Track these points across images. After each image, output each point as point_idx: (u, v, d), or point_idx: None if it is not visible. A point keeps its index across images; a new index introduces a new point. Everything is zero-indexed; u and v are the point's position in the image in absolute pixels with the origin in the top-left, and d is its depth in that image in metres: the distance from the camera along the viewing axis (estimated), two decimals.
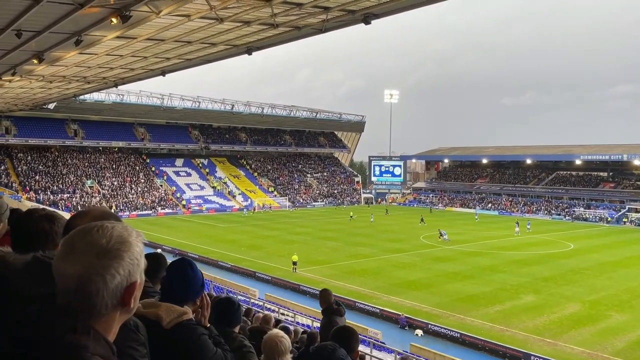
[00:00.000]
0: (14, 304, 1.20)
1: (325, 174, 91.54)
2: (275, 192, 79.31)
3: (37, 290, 1.24)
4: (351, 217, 60.82)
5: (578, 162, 74.51)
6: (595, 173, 75.72)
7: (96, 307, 1.13)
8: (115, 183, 67.81)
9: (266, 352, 3.34)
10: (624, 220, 63.06)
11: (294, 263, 33.14)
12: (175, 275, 2.51)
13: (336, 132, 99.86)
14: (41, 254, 1.41)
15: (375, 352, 17.14)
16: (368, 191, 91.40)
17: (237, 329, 3.44)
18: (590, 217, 65.87)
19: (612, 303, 26.65)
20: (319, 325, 21.34)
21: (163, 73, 22.89)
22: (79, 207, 57.35)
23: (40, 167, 64.99)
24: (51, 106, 49.29)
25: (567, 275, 32.63)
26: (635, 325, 23.28)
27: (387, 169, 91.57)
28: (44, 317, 1.15)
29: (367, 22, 13.42)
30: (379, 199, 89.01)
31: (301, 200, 79.37)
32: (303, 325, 18.77)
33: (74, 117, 69.07)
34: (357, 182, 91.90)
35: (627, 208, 65.46)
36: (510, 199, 76.93)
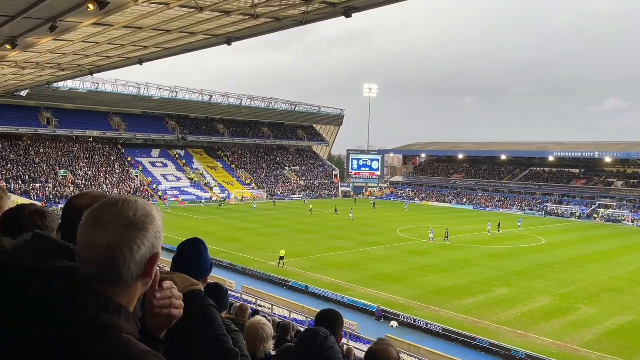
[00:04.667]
0: (26, 280, 1.13)
1: (303, 167, 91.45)
2: (253, 185, 78.98)
3: (48, 263, 1.19)
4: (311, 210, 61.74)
5: (551, 158, 75.95)
6: (568, 170, 77.35)
7: (122, 277, 1.13)
8: (90, 173, 66.57)
9: (248, 339, 3.37)
10: (594, 216, 64.67)
11: (281, 258, 32.49)
12: (189, 253, 2.57)
13: (315, 126, 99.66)
14: (39, 231, 1.41)
15: (352, 343, 17.34)
16: (346, 185, 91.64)
17: (224, 314, 3.48)
18: (562, 212, 67.37)
19: (581, 296, 27.38)
20: (296, 317, 21.47)
21: (140, 62, 22.56)
22: (51, 196, 56.22)
23: (12, 155, 63.33)
24: (23, 93, 48.04)
25: (538, 269, 33.36)
26: (603, 318, 23.98)
27: (365, 162, 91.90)
28: (73, 294, 1.10)
29: (348, 15, 13.44)
30: (352, 193, 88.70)
31: (279, 193, 79.21)
32: (280, 316, 18.84)
33: (47, 105, 67.41)
34: (335, 175, 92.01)
35: (597, 204, 67.13)
36: (485, 194, 78.14)
